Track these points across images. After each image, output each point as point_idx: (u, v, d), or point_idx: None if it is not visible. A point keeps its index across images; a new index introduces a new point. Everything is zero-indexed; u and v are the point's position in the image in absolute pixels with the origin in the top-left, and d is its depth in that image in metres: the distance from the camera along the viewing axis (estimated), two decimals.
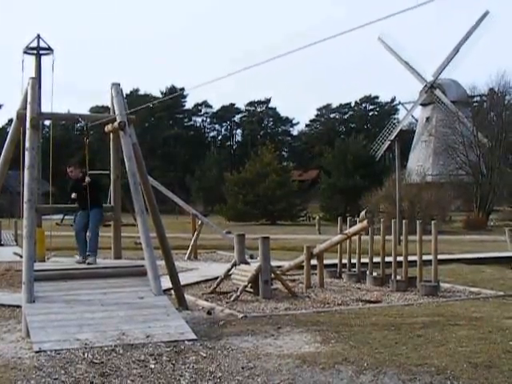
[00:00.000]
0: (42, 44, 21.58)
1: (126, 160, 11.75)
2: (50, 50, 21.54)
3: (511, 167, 58.39)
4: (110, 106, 12.61)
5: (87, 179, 12.26)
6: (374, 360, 8.13)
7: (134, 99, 79.76)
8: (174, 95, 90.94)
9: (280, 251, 24.71)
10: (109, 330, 9.38)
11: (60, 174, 20.36)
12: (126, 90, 61.73)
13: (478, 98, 69.07)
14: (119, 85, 12.42)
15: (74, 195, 12.39)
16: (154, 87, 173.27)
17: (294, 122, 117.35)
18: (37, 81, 12.59)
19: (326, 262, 16.71)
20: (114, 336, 9.20)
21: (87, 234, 12.32)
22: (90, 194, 12.10)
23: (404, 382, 7.33)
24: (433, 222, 15.30)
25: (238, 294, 13.83)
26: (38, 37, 21.48)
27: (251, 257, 19.76)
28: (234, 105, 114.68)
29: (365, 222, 15.49)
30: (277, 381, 7.51)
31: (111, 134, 12.55)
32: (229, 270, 15.29)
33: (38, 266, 11.45)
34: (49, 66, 19.93)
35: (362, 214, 15.70)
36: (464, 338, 9.48)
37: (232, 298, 13.70)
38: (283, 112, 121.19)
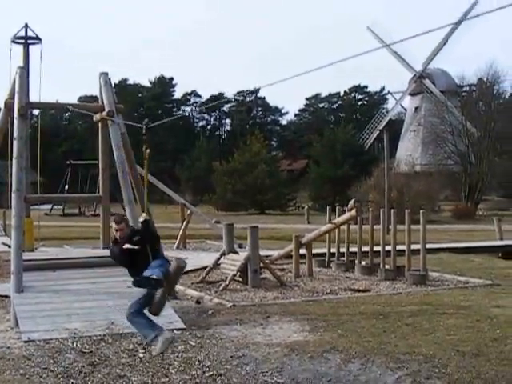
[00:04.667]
0: (30, 33, 21.46)
1: (114, 149, 11.75)
2: (38, 39, 21.42)
3: (500, 157, 58.35)
4: (98, 95, 12.59)
5: (143, 216, 8.40)
6: (362, 348, 8.17)
7: (123, 88, 79.51)
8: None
9: (269, 240, 24.68)
10: (98, 320, 9.40)
11: (48, 163, 20.30)
12: (115, 80, 61.61)
13: (467, 88, 68.95)
14: (107, 74, 12.40)
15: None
16: (143, 77, 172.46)
17: (283, 111, 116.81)
18: (25, 70, 12.52)
19: (314, 251, 16.77)
20: (103, 325, 9.22)
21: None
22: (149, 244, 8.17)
23: (392, 370, 7.38)
24: (421, 211, 15.33)
25: (227, 283, 13.84)
26: (26, 26, 21.35)
27: (240, 246, 19.76)
28: (222, 94, 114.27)
29: (353, 212, 15.53)
30: (265, 369, 7.54)
31: (100, 123, 12.53)
32: (218, 259, 15.30)
33: (26, 255, 11.45)
34: (37, 56, 19.82)
35: (351, 203, 15.73)
36: (452, 326, 9.54)
37: (221, 288, 13.70)
38: (272, 101, 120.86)
